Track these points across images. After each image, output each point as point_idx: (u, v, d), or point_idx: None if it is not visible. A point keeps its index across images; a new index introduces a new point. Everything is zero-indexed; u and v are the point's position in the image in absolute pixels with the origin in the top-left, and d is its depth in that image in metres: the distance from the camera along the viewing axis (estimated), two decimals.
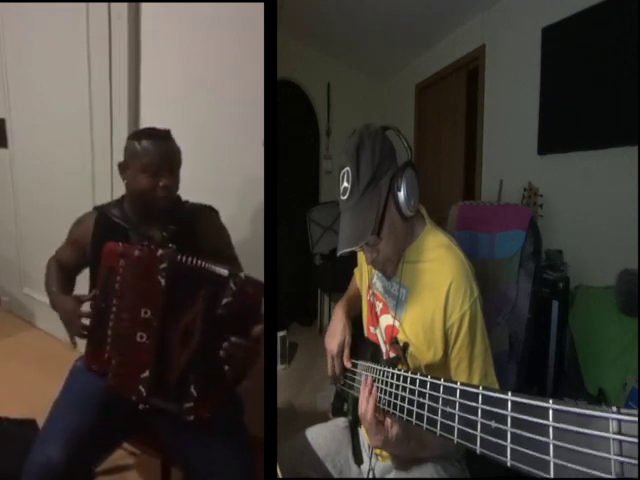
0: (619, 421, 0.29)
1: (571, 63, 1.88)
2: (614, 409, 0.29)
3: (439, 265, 0.74)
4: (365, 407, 0.68)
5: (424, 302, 0.75)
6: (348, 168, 0.70)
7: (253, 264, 1.08)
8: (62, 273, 1.06)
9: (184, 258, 0.85)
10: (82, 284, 1.07)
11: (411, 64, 3.38)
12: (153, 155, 0.94)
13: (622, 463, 0.28)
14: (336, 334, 0.89)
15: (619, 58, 1.66)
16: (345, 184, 0.71)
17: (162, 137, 0.98)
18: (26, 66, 1.81)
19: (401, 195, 0.70)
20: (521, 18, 2.20)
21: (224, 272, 0.84)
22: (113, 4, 1.44)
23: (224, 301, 0.83)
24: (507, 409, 0.38)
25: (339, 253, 0.70)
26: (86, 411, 0.89)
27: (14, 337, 2.03)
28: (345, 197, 0.71)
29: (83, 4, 1.52)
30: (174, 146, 1.00)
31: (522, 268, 0.97)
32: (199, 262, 0.85)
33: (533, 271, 0.96)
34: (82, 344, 0.94)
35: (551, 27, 1.96)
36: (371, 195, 0.70)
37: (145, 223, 1.00)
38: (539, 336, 1.62)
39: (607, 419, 0.30)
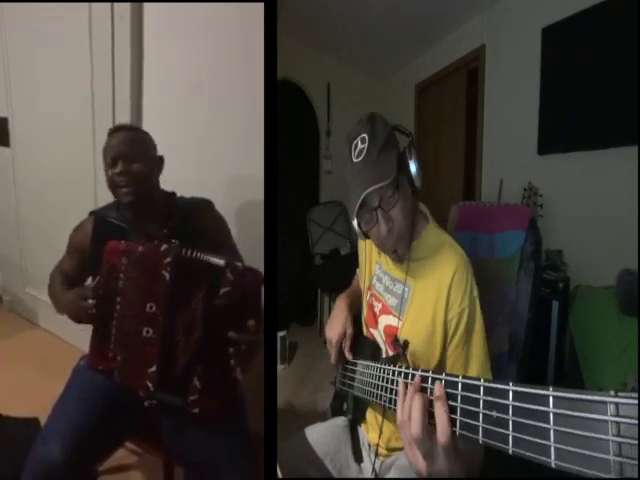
0: (617, 404, 0.30)
1: (571, 63, 1.88)
2: (612, 393, 0.31)
3: (441, 258, 0.76)
4: (408, 411, 0.50)
5: (427, 296, 0.75)
6: (365, 134, 0.71)
7: (252, 264, 1.08)
8: (66, 283, 1.04)
9: (187, 252, 0.86)
10: None
11: (411, 64, 3.38)
12: (110, 147, 0.96)
13: (620, 444, 0.30)
14: (337, 324, 0.89)
15: (619, 58, 1.66)
16: (360, 146, 0.71)
17: (122, 129, 0.99)
18: (28, 66, 1.81)
19: (412, 165, 0.71)
20: (521, 18, 2.20)
21: (221, 262, 0.84)
22: (116, 4, 1.44)
23: (222, 291, 0.83)
24: (509, 399, 0.39)
25: (363, 195, 0.66)
26: (88, 409, 0.89)
27: (16, 337, 2.03)
28: (361, 157, 0.70)
29: (85, 4, 1.52)
30: (135, 136, 0.99)
31: (522, 268, 0.97)
32: (198, 254, 0.85)
33: (533, 271, 0.96)
34: (86, 343, 0.94)
35: (551, 27, 1.96)
36: (388, 153, 0.70)
37: (143, 222, 0.99)
38: (539, 336, 1.61)
39: (605, 403, 0.31)
